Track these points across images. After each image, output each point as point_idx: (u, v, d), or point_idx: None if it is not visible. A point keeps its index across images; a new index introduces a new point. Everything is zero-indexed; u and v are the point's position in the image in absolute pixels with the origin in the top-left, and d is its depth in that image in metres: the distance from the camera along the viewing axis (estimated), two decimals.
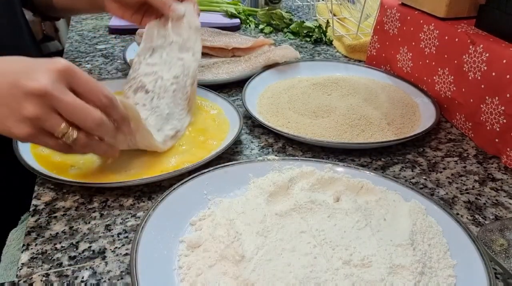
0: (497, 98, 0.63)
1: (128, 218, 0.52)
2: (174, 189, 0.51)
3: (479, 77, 0.66)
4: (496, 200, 0.57)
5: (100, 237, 0.49)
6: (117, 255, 0.47)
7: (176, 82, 0.67)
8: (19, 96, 0.44)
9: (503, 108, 0.62)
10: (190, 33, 0.70)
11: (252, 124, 0.73)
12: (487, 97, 0.65)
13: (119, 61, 0.94)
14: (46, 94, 0.44)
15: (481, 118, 0.67)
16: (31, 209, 0.53)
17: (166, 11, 0.69)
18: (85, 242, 0.48)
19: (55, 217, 0.51)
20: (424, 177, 0.61)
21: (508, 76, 0.61)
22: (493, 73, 0.64)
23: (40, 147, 0.60)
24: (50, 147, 0.48)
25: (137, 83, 0.67)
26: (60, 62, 0.45)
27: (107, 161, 0.59)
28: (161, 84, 0.67)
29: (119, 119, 0.51)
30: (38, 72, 0.44)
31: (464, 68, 0.69)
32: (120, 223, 0.51)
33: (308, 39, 1.11)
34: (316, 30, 1.11)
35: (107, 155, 0.54)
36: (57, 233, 0.49)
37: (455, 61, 0.71)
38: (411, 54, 0.81)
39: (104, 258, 0.46)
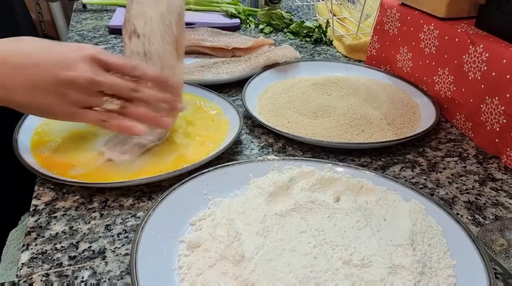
0: (497, 98, 0.63)
1: (128, 218, 0.52)
2: (174, 189, 0.51)
3: (479, 77, 0.66)
4: (496, 200, 0.57)
5: (100, 237, 0.49)
6: (117, 255, 0.47)
7: (162, 22, 0.61)
8: (64, 86, 0.51)
9: (503, 108, 0.62)
10: None
11: (252, 124, 0.73)
12: (487, 97, 0.65)
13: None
14: (92, 82, 0.52)
15: (481, 118, 0.67)
16: (31, 209, 0.53)
17: None
18: (85, 242, 0.48)
19: (55, 217, 0.51)
20: (424, 177, 0.61)
21: (508, 76, 0.61)
22: (493, 73, 0.64)
23: (41, 147, 0.60)
24: (94, 120, 0.55)
25: (130, 28, 0.62)
26: (88, 49, 0.53)
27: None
28: (150, 26, 0.61)
29: (152, 78, 0.57)
30: (75, 62, 0.51)
31: (464, 68, 0.69)
32: (120, 223, 0.51)
33: (308, 39, 1.11)
34: (316, 30, 1.11)
35: (161, 123, 0.59)
36: (57, 233, 0.49)
37: (455, 61, 0.71)
38: (411, 54, 0.82)
39: (104, 258, 0.46)
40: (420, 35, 0.78)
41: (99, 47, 0.54)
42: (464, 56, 0.69)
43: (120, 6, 1.27)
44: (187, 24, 1.10)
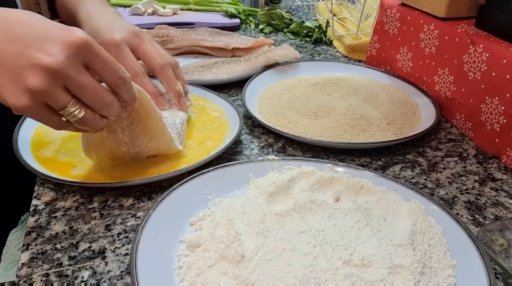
0: (497, 98, 0.63)
1: (128, 218, 0.52)
2: (174, 189, 0.51)
3: (479, 77, 0.66)
4: (496, 200, 0.57)
5: (100, 237, 0.49)
6: (117, 255, 0.47)
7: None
8: (25, 66, 0.41)
9: (503, 108, 0.62)
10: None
11: (252, 124, 0.73)
12: (487, 97, 0.65)
13: None
14: (58, 72, 0.41)
15: (481, 118, 0.67)
16: (31, 209, 0.53)
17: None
18: (85, 242, 0.48)
19: (55, 217, 0.51)
20: (424, 177, 0.61)
21: (508, 76, 0.61)
22: (493, 73, 0.64)
23: (42, 150, 0.60)
24: (44, 121, 0.45)
25: None
26: (77, 35, 0.42)
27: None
28: None
29: (129, 101, 0.49)
30: (52, 44, 0.41)
31: (464, 68, 0.69)
32: (120, 223, 0.51)
33: (308, 39, 1.11)
34: (316, 30, 1.11)
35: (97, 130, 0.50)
36: (57, 233, 0.49)
37: (455, 61, 0.71)
38: (411, 54, 0.81)
39: (104, 258, 0.46)
40: (420, 35, 0.78)
41: (90, 37, 0.44)
42: (464, 56, 0.69)
43: (120, 6, 1.27)
44: (187, 24, 1.10)
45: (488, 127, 0.66)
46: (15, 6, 0.83)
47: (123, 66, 0.54)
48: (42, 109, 0.43)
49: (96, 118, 0.47)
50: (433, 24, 0.75)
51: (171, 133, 0.59)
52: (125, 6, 1.25)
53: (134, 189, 0.56)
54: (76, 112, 0.44)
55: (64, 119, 0.45)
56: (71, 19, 0.77)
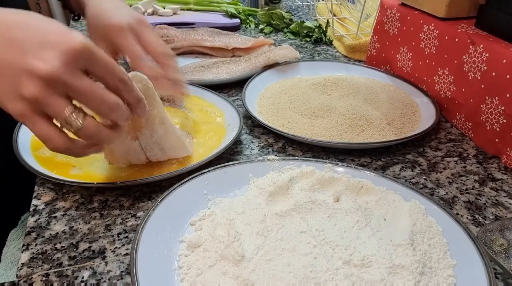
0: (497, 98, 0.63)
1: (128, 218, 0.52)
2: (174, 189, 0.51)
3: (479, 77, 0.66)
4: (496, 200, 0.57)
5: (100, 237, 0.49)
6: (117, 255, 0.47)
7: None
8: (21, 72, 0.40)
9: (503, 108, 0.62)
10: None
11: (252, 124, 0.73)
12: (487, 97, 0.65)
13: (118, 61, 0.94)
14: (54, 80, 0.39)
15: (481, 118, 0.67)
16: (31, 209, 0.53)
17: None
18: (85, 242, 0.48)
19: (55, 217, 0.51)
20: (424, 177, 0.61)
21: (508, 76, 0.61)
22: (493, 73, 0.64)
23: (41, 148, 0.60)
24: (44, 135, 0.43)
25: None
26: (76, 39, 0.41)
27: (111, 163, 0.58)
28: None
29: (134, 102, 0.47)
30: (49, 50, 0.40)
31: (464, 68, 0.69)
32: (120, 223, 0.51)
33: (308, 39, 1.11)
34: (316, 30, 1.11)
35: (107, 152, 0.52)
36: (57, 233, 0.49)
37: (455, 61, 0.71)
38: (411, 54, 0.81)
39: (104, 258, 0.46)
40: (420, 35, 0.78)
41: (90, 41, 0.42)
42: (464, 56, 0.69)
43: None
44: (187, 24, 1.10)
45: (488, 127, 0.66)
46: (25, 4, 0.83)
47: (125, 49, 0.60)
48: (39, 119, 0.42)
49: (100, 128, 0.44)
50: (433, 24, 0.75)
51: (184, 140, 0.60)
52: None
53: (134, 189, 0.56)
54: (73, 120, 0.42)
55: (59, 132, 0.43)
56: (76, 1, 0.76)
